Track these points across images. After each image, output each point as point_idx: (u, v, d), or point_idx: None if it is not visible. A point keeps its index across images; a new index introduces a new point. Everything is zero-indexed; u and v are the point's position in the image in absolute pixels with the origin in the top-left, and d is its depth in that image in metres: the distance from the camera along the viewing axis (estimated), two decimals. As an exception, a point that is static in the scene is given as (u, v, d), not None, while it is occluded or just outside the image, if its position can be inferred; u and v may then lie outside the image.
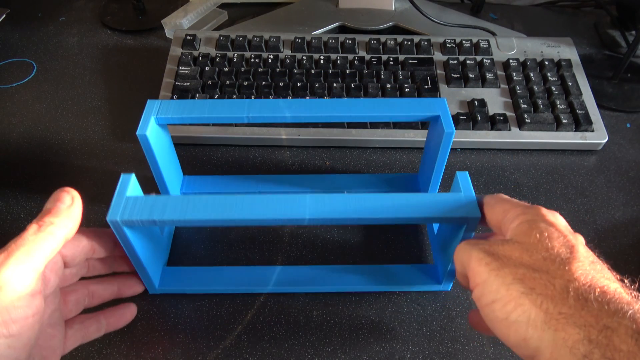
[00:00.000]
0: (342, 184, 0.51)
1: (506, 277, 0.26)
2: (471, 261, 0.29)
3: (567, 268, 0.26)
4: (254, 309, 0.42)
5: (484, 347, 0.40)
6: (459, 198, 0.36)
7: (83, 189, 0.51)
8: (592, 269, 0.27)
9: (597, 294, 0.25)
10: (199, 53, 0.60)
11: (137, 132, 0.40)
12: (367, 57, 0.60)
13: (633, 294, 0.26)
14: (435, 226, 0.46)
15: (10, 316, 0.27)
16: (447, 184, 0.51)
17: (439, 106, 0.42)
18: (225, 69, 0.58)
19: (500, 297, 0.26)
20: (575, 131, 0.55)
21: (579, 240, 0.29)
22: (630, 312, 0.24)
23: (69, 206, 0.32)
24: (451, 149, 0.55)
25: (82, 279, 0.37)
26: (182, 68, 0.58)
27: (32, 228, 0.30)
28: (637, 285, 0.27)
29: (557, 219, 0.31)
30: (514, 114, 0.56)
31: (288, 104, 0.42)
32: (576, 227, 0.48)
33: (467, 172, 0.37)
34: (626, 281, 0.27)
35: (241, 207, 0.35)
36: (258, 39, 0.61)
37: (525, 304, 0.25)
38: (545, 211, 0.31)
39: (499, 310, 0.26)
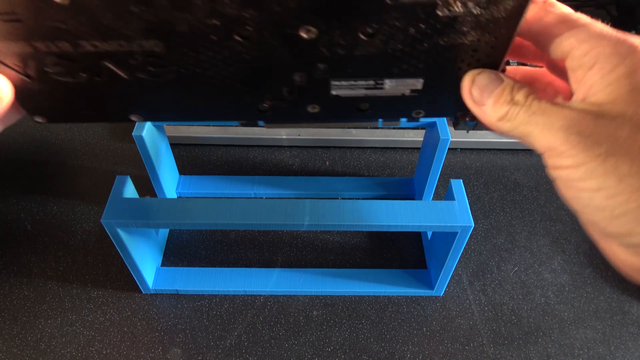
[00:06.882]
0: (339, 187, 0.51)
1: (619, 167, 0.20)
2: (553, 140, 0.22)
3: None
4: (254, 309, 0.42)
5: (484, 347, 0.40)
6: (452, 206, 0.36)
7: (83, 189, 0.51)
8: None
9: None
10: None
11: (133, 133, 0.40)
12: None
13: None
14: (430, 232, 0.46)
15: None
16: (444, 185, 0.51)
17: None
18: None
19: (608, 186, 0.20)
20: (575, 131, 0.54)
21: None
22: None
23: None
24: (451, 148, 0.55)
25: None
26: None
27: None
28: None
29: None
30: (514, 114, 0.55)
31: None
32: (576, 226, 0.48)
33: (461, 180, 0.38)
34: None
35: (237, 211, 0.36)
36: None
37: None
38: None
39: (600, 200, 0.21)
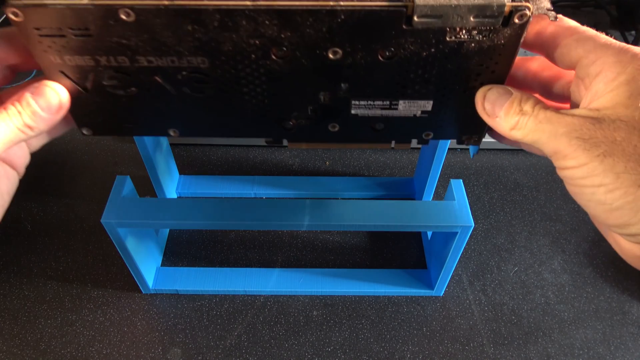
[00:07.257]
0: (339, 187, 0.51)
1: (616, 165, 0.23)
2: (558, 145, 0.24)
3: None
4: (254, 309, 0.42)
5: (484, 347, 0.40)
6: (452, 206, 0.36)
7: (83, 189, 0.51)
8: None
9: None
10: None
11: None
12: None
13: None
14: (429, 232, 0.46)
15: None
16: (444, 185, 0.51)
17: None
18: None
19: (607, 182, 0.23)
20: (575, 131, 0.54)
21: None
22: None
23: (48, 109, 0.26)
24: (451, 148, 0.55)
25: None
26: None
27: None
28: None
29: None
30: (514, 114, 0.56)
31: None
32: (576, 226, 0.48)
33: (461, 180, 0.38)
34: None
35: (237, 211, 0.36)
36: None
37: (638, 194, 0.22)
38: None
39: (601, 194, 0.23)
